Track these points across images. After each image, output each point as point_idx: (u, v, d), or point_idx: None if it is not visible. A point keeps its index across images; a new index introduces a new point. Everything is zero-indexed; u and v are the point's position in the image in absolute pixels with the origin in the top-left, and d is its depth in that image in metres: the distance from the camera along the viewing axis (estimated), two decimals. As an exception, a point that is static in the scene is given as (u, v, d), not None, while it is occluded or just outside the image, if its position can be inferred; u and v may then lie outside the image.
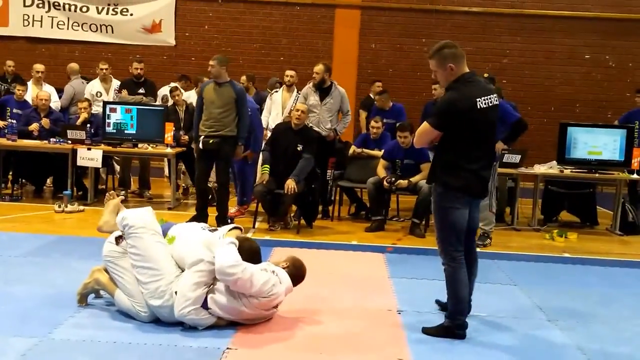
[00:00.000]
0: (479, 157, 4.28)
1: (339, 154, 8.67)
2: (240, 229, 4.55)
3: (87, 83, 10.10)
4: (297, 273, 4.50)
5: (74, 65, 10.53)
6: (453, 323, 4.34)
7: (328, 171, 8.23)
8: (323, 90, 8.23)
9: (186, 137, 8.96)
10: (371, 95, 10.66)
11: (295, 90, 8.94)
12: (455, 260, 4.29)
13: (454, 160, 4.23)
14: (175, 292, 4.13)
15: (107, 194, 5.01)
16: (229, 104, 7.27)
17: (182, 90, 9.77)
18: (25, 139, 8.77)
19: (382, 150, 8.30)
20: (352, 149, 8.53)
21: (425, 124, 4.28)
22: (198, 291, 4.13)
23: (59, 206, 7.96)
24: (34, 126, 8.86)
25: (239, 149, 7.44)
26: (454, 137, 4.21)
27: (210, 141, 7.26)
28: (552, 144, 9.08)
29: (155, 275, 4.20)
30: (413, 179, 7.61)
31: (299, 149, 7.40)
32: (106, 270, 4.51)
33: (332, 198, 8.50)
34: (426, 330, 4.40)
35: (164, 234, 4.46)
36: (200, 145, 7.32)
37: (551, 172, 8.51)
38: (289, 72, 9.08)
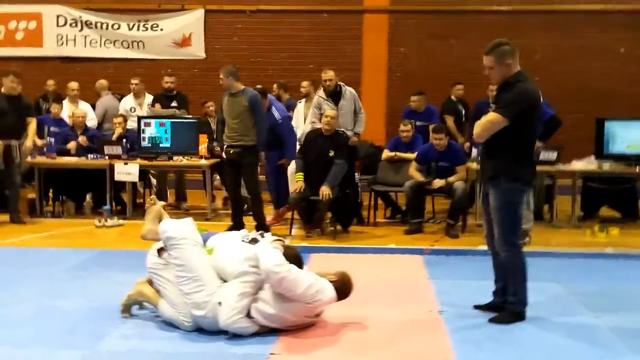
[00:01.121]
0: (533, 150, 4.58)
1: (371, 158, 8.66)
2: (282, 241, 4.53)
3: (119, 98, 10.23)
4: (343, 289, 4.47)
5: (102, 82, 10.69)
6: (522, 308, 4.52)
7: (355, 174, 8.14)
8: (334, 96, 8.10)
9: (218, 149, 9.05)
10: (453, 98, 10.35)
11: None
12: (520, 249, 4.55)
13: (523, 153, 4.46)
14: (219, 303, 4.16)
15: (149, 199, 5.06)
16: (242, 113, 7.33)
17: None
18: (64, 156, 8.93)
19: (415, 153, 8.28)
20: (385, 152, 8.52)
21: (494, 115, 4.36)
22: (244, 301, 4.17)
23: (99, 221, 8.09)
24: (71, 144, 9.02)
25: (260, 155, 7.51)
26: (523, 129, 4.38)
27: (232, 151, 7.37)
28: (588, 140, 8.95)
29: (197, 286, 4.25)
30: (450, 179, 7.58)
31: (330, 154, 7.41)
32: (150, 282, 4.58)
33: (360, 201, 8.48)
34: (496, 320, 4.50)
35: (204, 243, 4.51)
36: (224, 156, 7.46)
37: (589, 168, 8.39)
38: (304, 83, 9.14)
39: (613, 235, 7.65)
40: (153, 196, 5.26)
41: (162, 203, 5.08)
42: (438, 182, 7.60)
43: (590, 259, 6.59)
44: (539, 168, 7.69)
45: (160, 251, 4.48)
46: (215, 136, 9.18)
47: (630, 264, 6.36)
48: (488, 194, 4.61)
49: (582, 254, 6.72)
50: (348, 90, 8.23)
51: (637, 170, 8.23)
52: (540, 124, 6.39)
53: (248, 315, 4.19)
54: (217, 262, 4.36)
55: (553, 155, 8.12)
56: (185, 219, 4.65)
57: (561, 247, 7.05)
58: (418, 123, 8.93)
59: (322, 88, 8.19)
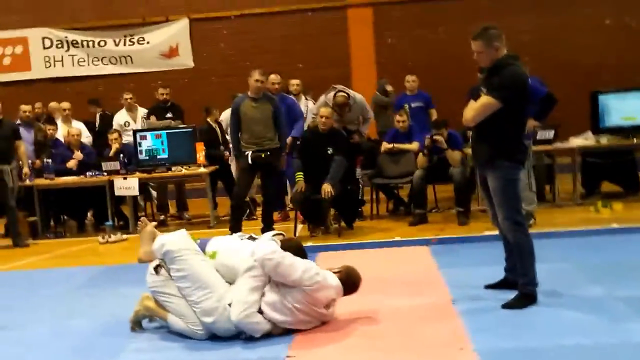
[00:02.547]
0: (524, 130, 4.66)
1: (370, 152, 8.66)
2: (283, 235, 4.60)
3: (110, 114, 10.17)
4: (348, 280, 4.46)
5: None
6: (533, 288, 4.53)
7: (357, 169, 8.15)
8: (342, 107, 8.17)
9: (227, 154, 9.07)
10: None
11: (303, 97, 9.04)
12: (526, 227, 4.60)
13: (516, 133, 4.54)
14: (229, 305, 4.16)
15: (138, 222, 5.03)
16: (269, 117, 7.37)
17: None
18: (62, 176, 8.92)
19: (413, 143, 8.28)
20: (384, 145, 8.52)
21: (487, 98, 4.43)
22: (255, 295, 4.17)
23: (103, 237, 8.09)
24: (71, 162, 9.01)
25: (282, 159, 7.62)
26: (514, 111, 4.45)
27: (262, 155, 7.34)
28: (584, 115, 8.94)
29: (205, 293, 4.24)
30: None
31: (329, 152, 7.41)
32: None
33: (363, 197, 8.49)
34: (508, 305, 4.48)
35: (202, 251, 4.50)
36: (250, 161, 7.36)
37: (588, 144, 8.38)
38: (293, 81, 9.23)
39: (617, 210, 7.66)
40: (143, 218, 5.22)
41: (154, 223, 5.05)
42: (438, 137, 7.61)
43: (596, 235, 6.58)
44: (537, 148, 7.77)
45: (157, 268, 4.45)
46: (221, 142, 9.23)
47: (636, 238, 6.35)
48: (485, 177, 4.66)
49: (588, 231, 6.71)
50: (356, 101, 8.24)
51: (635, 141, 8.23)
52: (534, 103, 6.40)
53: (259, 311, 4.18)
54: (225, 263, 4.37)
55: (550, 134, 8.12)
56: (179, 231, 4.64)
57: (566, 226, 7.04)
58: (413, 105, 8.94)
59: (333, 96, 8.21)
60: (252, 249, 4.33)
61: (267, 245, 4.29)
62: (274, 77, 8.41)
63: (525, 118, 4.66)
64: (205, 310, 4.22)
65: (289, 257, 4.22)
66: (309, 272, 4.21)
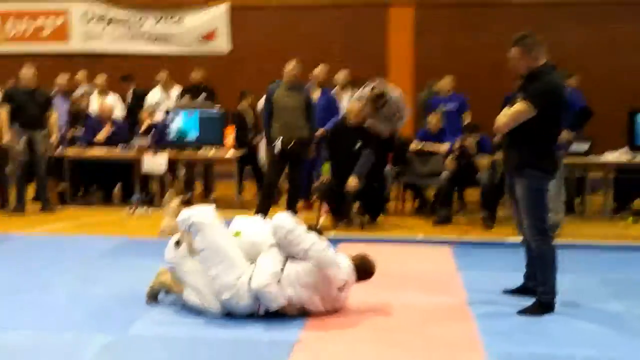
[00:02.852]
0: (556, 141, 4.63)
1: (400, 150, 8.63)
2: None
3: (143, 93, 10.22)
4: (362, 266, 4.49)
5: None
6: (551, 297, 4.49)
7: (386, 167, 8.14)
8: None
9: (259, 137, 9.14)
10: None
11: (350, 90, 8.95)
12: (550, 237, 4.59)
13: (548, 143, 4.53)
14: (249, 279, 4.19)
15: (165, 195, 5.08)
16: (300, 108, 7.40)
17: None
18: (94, 148, 9.03)
19: (443, 144, 8.24)
20: (414, 144, 8.49)
21: (522, 105, 4.40)
22: (277, 267, 4.23)
23: (128, 210, 8.19)
24: (101, 135, 9.11)
25: (310, 149, 7.63)
26: (548, 120, 4.40)
27: (292, 144, 7.38)
28: (620, 132, 8.81)
29: (225, 268, 4.25)
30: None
31: (357, 146, 7.39)
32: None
33: (389, 194, 8.46)
34: (525, 311, 4.46)
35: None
36: (279, 149, 7.40)
37: (621, 159, 8.27)
38: (340, 73, 9.19)
39: (647, 227, 7.54)
40: (171, 191, 5.28)
41: (180, 198, 5.07)
42: (469, 142, 7.56)
43: (623, 251, 6.49)
44: (570, 160, 7.68)
45: (177, 244, 4.49)
46: (249, 128, 9.27)
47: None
48: (513, 184, 4.63)
49: (615, 247, 6.62)
50: (394, 99, 8.11)
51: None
52: (569, 114, 6.36)
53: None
54: (249, 240, 4.42)
55: (584, 147, 8.02)
56: (207, 205, 4.67)
57: (594, 239, 6.94)
58: (447, 107, 8.88)
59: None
60: None
61: (283, 216, 4.41)
62: (320, 69, 8.39)
63: (558, 128, 4.65)
64: (223, 285, 4.23)
65: (301, 228, 4.33)
66: (318, 245, 4.28)
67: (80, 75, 10.56)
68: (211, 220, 4.42)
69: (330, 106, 8.51)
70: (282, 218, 4.38)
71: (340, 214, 7.59)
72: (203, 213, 4.46)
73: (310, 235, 4.35)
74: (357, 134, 7.44)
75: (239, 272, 4.24)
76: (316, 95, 8.47)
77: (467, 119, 9.06)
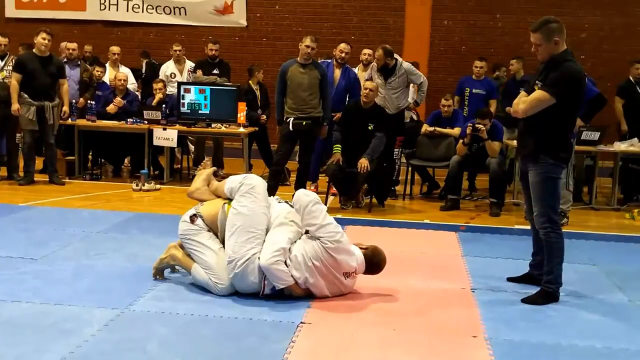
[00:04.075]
0: (573, 130, 4.66)
1: (411, 132, 8.58)
2: None
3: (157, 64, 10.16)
4: (373, 258, 4.50)
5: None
6: (556, 287, 4.51)
7: (395, 150, 8.08)
8: (387, 71, 7.98)
9: (264, 117, 9.10)
10: (631, 79, 8.91)
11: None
12: (559, 227, 4.52)
13: (564, 132, 4.48)
14: (258, 258, 4.22)
15: (201, 163, 5.14)
16: (315, 85, 7.32)
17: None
18: (105, 119, 9.04)
19: (455, 128, 8.19)
20: (424, 127, 8.44)
21: (541, 93, 4.36)
22: (286, 244, 4.26)
23: (137, 185, 8.20)
24: (111, 107, 9.10)
25: (324, 128, 7.55)
26: (566, 109, 4.38)
27: (304, 123, 7.33)
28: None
29: (251, 240, 4.27)
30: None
31: (370, 128, 7.36)
32: (181, 247, 4.62)
33: (399, 178, 8.43)
34: (529, 300, 4.48)
35: None
36: (290, 127, 7.35)
37: (632, 150, 8.19)
38: (365, 51, 8.94)
39: (653, 219, 7.49)
40: (208, 160, 5.33)
41: (214, 169, 5.07)
42: (480, 125, 7.49)
43: (628, 242, 6.47)
44: (580, 148, 7.62)
45: (192, 218, 4.51)
46: (260, 105, 9.23)
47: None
48: (526, 171, 4.60)
49: (620, 237, 6.60)
50: (402, 67, 8.00)
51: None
52: (583, 103, 6.25)
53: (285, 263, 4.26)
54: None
55: (595, 136, 7.94)
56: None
57: (599, 229, 6.93)
58: (474, 91, 8.78)
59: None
60: (290, 209, 4.49)
61: (309, 192, 4.54)
62: (343, 46, 8.25)
63: (575, 117, 4.62)
64: (238, 254, 4.24)
65: (323, 206, 4.41)
66: (332, 227, 4.31)
67: (88, 47, 10.51)
68: (263, 189, 4.48)
69: (353, 86, 8.25)
70: (304, 191, 4.53)
71: (348, 196, 7.58)
72: (260, 181, 4.52)
73: (329, 216, 4.39)
74: (370, 115, 7.41)
75: (257, 250, 4.26)
76: (337, 74, 8.27)
77: (492, 106, 8.88)
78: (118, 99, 9.13)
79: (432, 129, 8.33)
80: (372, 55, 8.76)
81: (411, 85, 8.35)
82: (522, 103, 4.48)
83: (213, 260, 4.38)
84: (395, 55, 8.07)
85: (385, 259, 4.56)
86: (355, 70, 8.78)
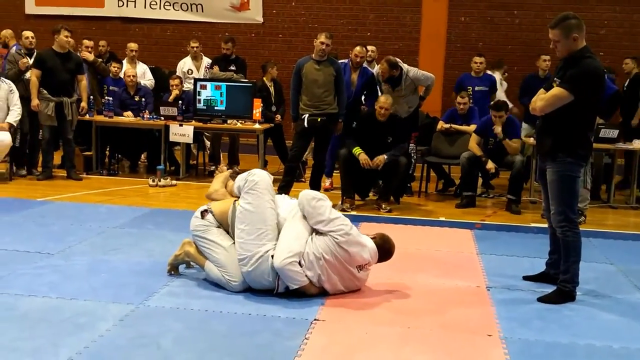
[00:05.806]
0: (593, 128, 4.56)
1: (426, 129, 8.54)
2: None
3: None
4: (384, 245, 4.51)
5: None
6: (573, 286, 4.47)
7: (410, 145, 7.99)
8: (394, 81, 7.83)
9: (279, 117, 9.11)
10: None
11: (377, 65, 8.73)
12: (577, 225, 4.49)
13: (583, 129, 4.43)
14: (272, 256, 4.21)
15: (218, 167, 5.20)
16: (330, 82, 7.31)
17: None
18: (120, 115, 9.09)
19: (471, 125, 8.15)
20: (440, 124, 8.40)
21: (560, 90, 4.32)
22: (299, 245, 4.24)
23: (153, 180, 8.25)
24: (127, 114, 9.11)
25: (339, 125, 7.53)
26: (585, 106, 4.33)
27: (319, 119, 7.32)
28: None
29: (261, 236, 4.28)
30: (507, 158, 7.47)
31: (388, 141, 7.25)
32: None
33: (414, 173, 8.39)
34: (545, 299, 4.45)
35: None
36: (306, 124, 7.34)
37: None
38: (370, 47, 8.89)
39: (672, 218, 7.42)
40: (224, 164, 5.45)
41: (231, 171, 5.13)
42: (491, 165, 7.48)
43: (647, 241, 6.41)
44: (598, 146, 7.55)
45: (203, 213, 4.53)
46: (273, 101, 9.23)
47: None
48: (544, 169, 4.56)
49: (639, 236, 6.52)
50: (408, 76, 7.84)
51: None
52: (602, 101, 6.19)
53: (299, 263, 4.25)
54: (280, 218, 4.45)
55: (614, 133, 7.86)
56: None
57: (617, 228, 6.87)
58: (477, 88, 8.74)
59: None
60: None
61: (310, 191, 4.55)
62: (359, 50, 8.03)
63: (595, 115, 4.57)
64: (248, 252, 4.25)
65: (327, 201, 4.42)
66: (340, 220, 4.32)
67: (103, 43, 10.52)
68: (268, 185, 4.48)
69: (370, 86, 8.14)
70: (310, 190, 4.54)
71: (360, 192, 7.55)
72: (266, 177, 4.52)
73: (334, 210, 4.40)
74: (387, 128, 7.27)
75: (268, 247, 4.26)
76: (354, 77, 8.11)
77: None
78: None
79: (447, 126, 8.29)
80: (375, 52, 8.88)
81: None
82: (540, 100, 4.44)
83: (225, 258, 4.38)
84: (400, 63, 7.95)
85: (394, 244, 4.58)
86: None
